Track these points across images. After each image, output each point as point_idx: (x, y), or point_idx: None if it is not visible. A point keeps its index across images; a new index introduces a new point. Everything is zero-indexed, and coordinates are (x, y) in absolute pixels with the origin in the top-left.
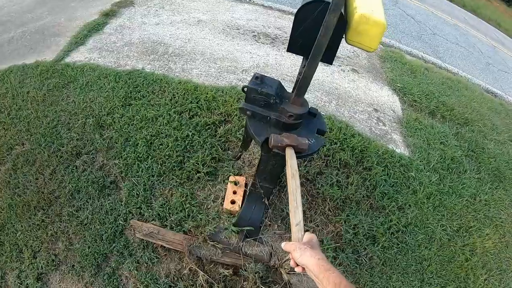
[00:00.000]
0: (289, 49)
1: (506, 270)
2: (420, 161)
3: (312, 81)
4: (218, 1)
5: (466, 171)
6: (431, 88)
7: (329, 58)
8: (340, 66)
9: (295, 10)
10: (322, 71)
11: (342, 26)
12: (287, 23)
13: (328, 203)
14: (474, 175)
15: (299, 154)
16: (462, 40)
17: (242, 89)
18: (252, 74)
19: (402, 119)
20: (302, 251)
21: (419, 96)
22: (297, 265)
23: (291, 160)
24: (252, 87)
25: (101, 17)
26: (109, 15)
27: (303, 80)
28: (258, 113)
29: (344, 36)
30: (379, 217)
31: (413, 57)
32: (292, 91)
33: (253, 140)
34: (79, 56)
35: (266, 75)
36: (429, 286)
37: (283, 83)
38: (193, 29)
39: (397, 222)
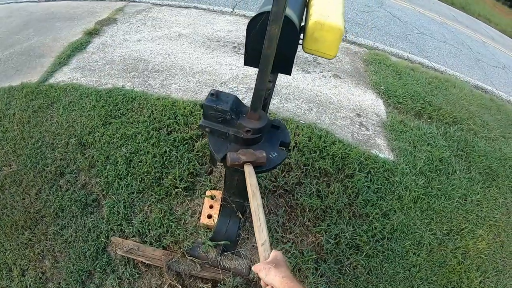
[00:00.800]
0: (246, 63)
1: (502, 271)
2: (406, 165)
3: (292, 89)
4: (199, 14)
5: (456, 171)
6: (417, 89)
7: (286, 68)
8: (322, 72)
9: None
10: (302, 78)
11: (295, 34)
12: None
13: (308, 214)
14: (464, 175)
15: (260, 168)
16: (450, 38)
17: (200, 105)
18: (231, 86)
19: (386, 122)
20: (267, 271)
21: (404, 97)
22: (266, 285)
23: (250, 178)
24: (207, 104)
25: (84, 36)
26: (92, 33)
27: (256, 93)
28: (216, 130)
29: (301, 46)
30: (363, 225)
31: (398, 58)
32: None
33: None
34: (62, 77)
35: (222, 91)
36: None
37: None
38: (173, 44)
39: (382, 229)
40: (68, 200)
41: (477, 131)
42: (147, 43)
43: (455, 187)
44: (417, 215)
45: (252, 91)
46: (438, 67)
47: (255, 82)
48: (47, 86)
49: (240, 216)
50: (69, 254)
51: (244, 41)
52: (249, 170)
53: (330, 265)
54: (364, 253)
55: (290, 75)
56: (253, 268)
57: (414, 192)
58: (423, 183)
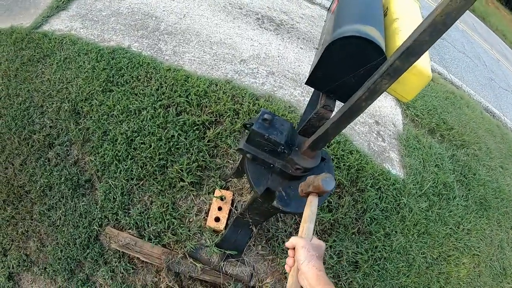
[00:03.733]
0: (308, 83)
1: None
2: (414, 185)
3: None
4: None
5: (456, 197)
6: (434, 103)
7: (348, 97)
8: None
9: None
10: None
11: (378, 67)
12: (295, 7)
13: (317, 227)
14: (462, 202)
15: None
16: (469, 49)
17: (244, 126)
18: (251, 66)
19: (401, 135)
20: (309, 257)
21: (422, 111)
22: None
23: (311, 207)
24: (258, 131)
25: None
26: None
27: (324, 137)
28: (260, 158)
29: None
30: (365, 243)
31: None
32: (299, 131)
33: None
34: (59, 24)
35: (277, 115)
36: None
37: (283, 80)
38: (190, 3)
39: (382, 249)
40: (57, 177)
41: (480, 158)
42: None
43: (452, 213)
44: (414, 237)
45: (273, 75)
46: (455, 81)
47: (328, 125)
48: (41, 34)
49: (254, 229)
50: (57, 239)
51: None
52: (312, 200)
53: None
54: (362, 271)
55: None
56: (292, 240)
57: (416, 215)
58: (425, 207)
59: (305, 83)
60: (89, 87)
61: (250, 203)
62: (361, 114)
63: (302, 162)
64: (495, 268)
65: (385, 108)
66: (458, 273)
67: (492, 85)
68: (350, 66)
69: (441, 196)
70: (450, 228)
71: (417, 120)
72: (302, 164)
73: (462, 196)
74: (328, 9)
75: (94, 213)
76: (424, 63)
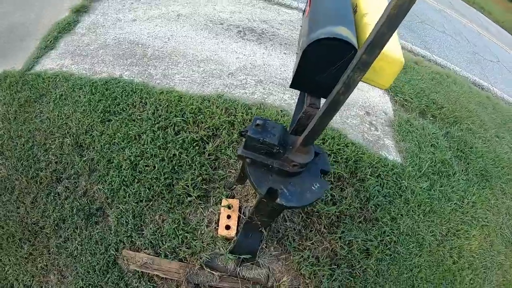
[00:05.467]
0: (293, 86)
1: (490, 268)
2: (412, 168)
3: None
4: None
5: (455, 173)
6: (421, 85)
7: (329, 93)
8: None
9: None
10: None
11: (350, 61)
12: (273, 15)
13: (324, 220)
14: (462, 177)
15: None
16: (449, 28)
17: (240, 134)
18: (239, 78)
19: (393, 121)
20: None
21: (410, 95)
22: None
23: None
24: (253, 136)
25: (71, 14)
26: (80, 11)
27: (312, 132)
28: (259, 161)
29: None
30: (373, 230)
31: (402, 49)
32: (290, 131)
33: None
34: (50, 63)
35: (268, 119)
36: None
37: (272, 87)
38: (173, 26)
39: (390, 233)
40: (69, 210)
41: (475, 131)
42: (143, 23)
43: (454, 189)
44: (420, 218)
45: (262, 83)
46: (440, 61)
47: (303, 107)
48: (34, 75)
49: (264, 231)
50: (77, 269)
51: (249, 25)
52: None
53: (343, 270)
54: (374, 257)
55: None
56: None
57: (419, 195)
58: (427, 186)
59: (290, 87)
60: (88, 119)
61: (256, 205)
62: (351, 108)
63: (297, 158)
64: (506, 235)
65: (374, 98)
66: (470, 246)
67: (477, 59)
68: (328, 65)
69: (441, 174)
70: (454, 204)
71: (406, 105)
72: (297, 161)
73: (462, 170)
74: (303, 13)
75: (109, 239)
76: (394, 51)
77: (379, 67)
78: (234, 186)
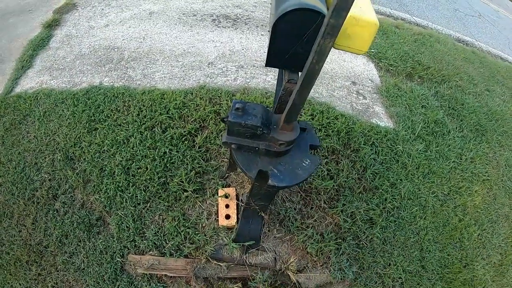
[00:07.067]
0: (269, 64)
1: (496, 221)
2: (405, 131)
3: None
4: None
5: (450, 131)
6: (404, 48)
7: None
8: None
9: None
10: None
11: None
12: None
13: (323, 196)
14: (457, 134)
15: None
16: None
17: (222, 120)
18: (220, 66)
19: (381, 88)
20: None
21: (394, 59)
22: None
23: None
24: (234, 121)
25: (44, 30)
26: (52, 25)
27: (293, 108)
28: (244, 145)
29: None
30: (374, 199)
31: (381, 15)
32: (274, 110)
33: None
34: (29, 83)
35: (248, 101)
36: (428, 253)
37: (253, 70)
38: (146, 24)
39: (392, 200)
40: (69, 225)
41: (464, 87)
42: (117, 27)
43: (451, 147)
44: (420, 180)
45: (243, 68)
46: (420, 22)
47: (283, 84)
48: (15, 97)
49: (263, 215)
50: (86, 281)
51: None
52: None
53: (349, 243)
54: (379, 226)
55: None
56: None
57: (416, 158)
58: (422, 148)
59: (266, 65)
60: (75, 131)
61: (250, 190)
62: (337, 79)
63: (282, 137)
64: (508, 187)
65: (358, 67)
66: (473, 202)
67: (458, 15)
68: (299, 37)
69: (435, 134)
70: (453, 162)
71: (392, 69)
72: (283, 139)
73: (456, 128)
74: None
75: (113, 246)
76: (367, 14)
77: (353, 33)
78: (227, 175)
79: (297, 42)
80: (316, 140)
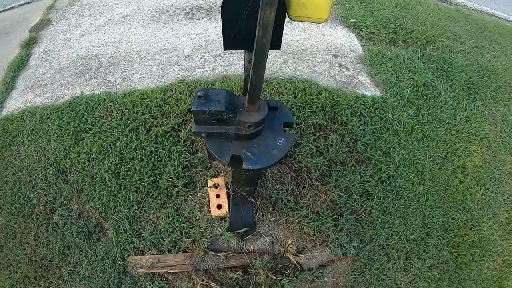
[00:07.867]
0: (227, 48)
1: (499, 179)
2: (394, 98)
3: None
4: None
5: (441, 93)
6: (385, 14)
7: (276, 44)
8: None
9: None
10: None
11: (281, 4)
12: None
13: (314, 174)
14: (449, 95)
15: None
16: None
17: (188, 110)
18: (196, 58)
19: (364, 57)
20: None
21: (375, 26)
22: None
23: None
24: (198, 109)
25: (22, 50)
26: (29, 44)
27: (252, 87)
28: (213, 132)
29: (286, 14)
30: (367, 170)
31: None
32: (244, 93)
33: None
34: (14, 104)
35: (210, 88)
36: (431, 219)
37: (231, 57)
38: (120, 28)
39: (386, 169)
40: (69, 235)
41: (451, 46)
42: (92, 35)
43: (443, 108)
44: (414, 146)
45: (220, 57)
46: None
47: (245, 65)
48: (2, 120)
49: (252, 200)
50: None
51: (196, 4)
52: None
53: (347, 218)
54: (375, 197)
55: (280, 49)
56: None
57: (407, 123)
58: (413, 113)
59: (224, 49)
60: (63, 144)
61: (232, 177)
62: (317, 54)
63: (249, 118)
64: (508, 143)
65: (339, 39)
66: (473, 161)
67: None
68: (247, 15)
69: (426, 97)
70: (447, 123)
71: (374, 37)
72: (251, 120)
73: (447, 88)
74: None
75: (114, 250)
76: None
77: (308, 1)
78: (210, 165)
79: (245, 20)
80: (290, 117)
